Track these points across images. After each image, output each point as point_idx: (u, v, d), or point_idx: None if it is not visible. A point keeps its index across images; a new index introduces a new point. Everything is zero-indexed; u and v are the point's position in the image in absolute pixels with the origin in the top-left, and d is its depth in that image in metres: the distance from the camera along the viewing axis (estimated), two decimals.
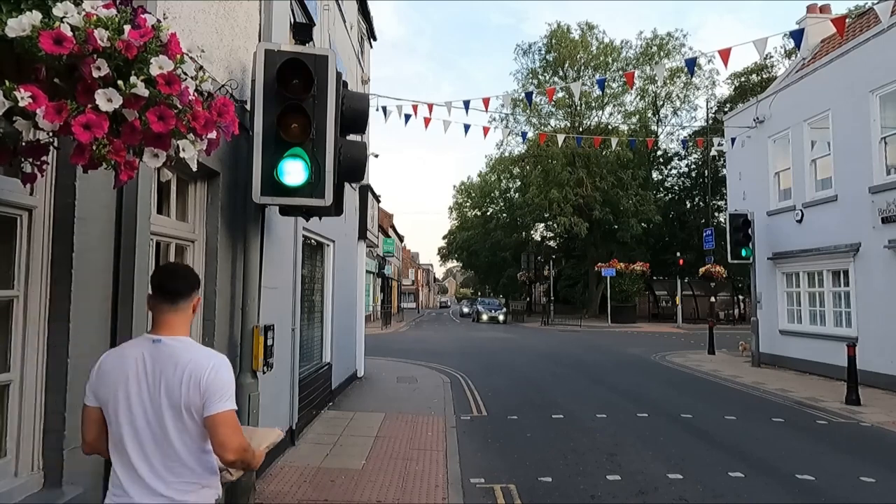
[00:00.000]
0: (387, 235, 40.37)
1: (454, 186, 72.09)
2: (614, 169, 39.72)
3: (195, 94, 1.86)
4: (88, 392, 2.11)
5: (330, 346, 9.26)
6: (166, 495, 2.01)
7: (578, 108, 42.26)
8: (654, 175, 45.78)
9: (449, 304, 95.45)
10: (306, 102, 4.19)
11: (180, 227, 4.08)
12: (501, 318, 38.21)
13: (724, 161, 22.25)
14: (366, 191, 12.00)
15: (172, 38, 1.80)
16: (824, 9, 16.51)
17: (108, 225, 2.97)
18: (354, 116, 4.64)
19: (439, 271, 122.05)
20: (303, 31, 5.61)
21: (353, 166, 4.60)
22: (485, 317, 38.86)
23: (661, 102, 44.17)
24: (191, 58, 1.86)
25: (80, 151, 1.62)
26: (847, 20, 10.29)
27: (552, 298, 39.01)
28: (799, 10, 60.61)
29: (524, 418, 8.56)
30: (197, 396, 2.00)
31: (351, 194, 10.20)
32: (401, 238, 59.29)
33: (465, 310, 51.05)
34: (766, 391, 11.07)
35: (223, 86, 3.84)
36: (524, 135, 36.95)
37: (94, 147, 1.61)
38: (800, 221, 13.81)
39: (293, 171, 4.12)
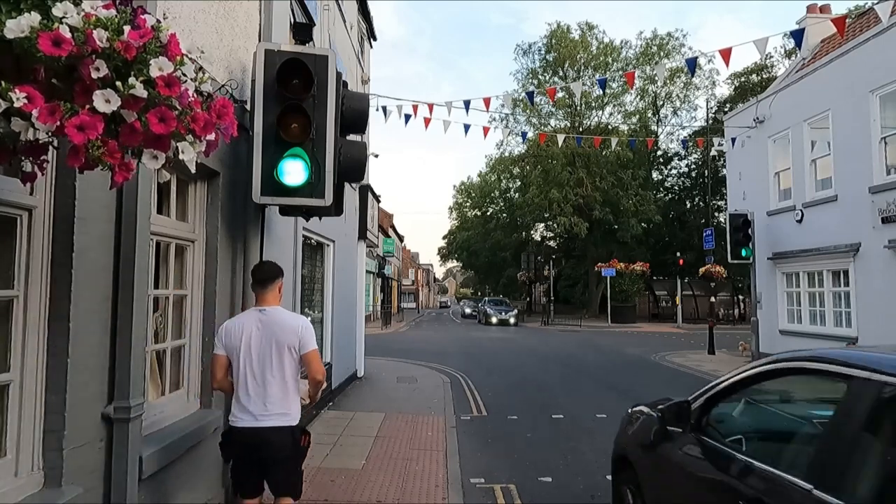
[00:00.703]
0: (387, 235, 40.36)
1: (454, 186, 72.17)
2: (614, 169, 39.69)
3: (195, 95, 1.85)
4: (219, 345, 3.39)
5: (330, 346, 9.26)
6: (268, 409, 3.28)
7: (578, 108, 42.24)
8: (654, 175, 45.75)
9: (449, 304, 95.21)
10: (306, 102, 4.19)
11: (180, 226, 4.08)
12: (513, 321, 35.81)
13: (724, 161, 22.24)
14: (366, 191, 12.00)
15: (172, 38, 1.79)
16: (824, 9, 16.51)
17: (108, 225, 2.97)
18: (354, 116, 4.65)
19: (439, 271, 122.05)
20: (303, 31, 5.62)
21: (353, 166, 4.61)
22: (494, 319, 35.61)
23: (661, 102, 44.16)
24: (190, 59, 1.85)
25: (74, 153, 1.61)
26: (847, 20, 10.27)
27: (552, 298, 38.90)
28: (799, 10, 60.64)
29: (524, 418, 8.56)
30: (296, 341, 3.36)
31: (351, 194, 10.20)
32: (401, 238, 59.28)
33: (468, 310, 47.45)
34: None
35: (223, 86, 3.84)
36: (524, 135, 36.89)
37: (89, 149, 1.60)
38: (800, 221, 13.81)
39: (293, 171, 4.13)
